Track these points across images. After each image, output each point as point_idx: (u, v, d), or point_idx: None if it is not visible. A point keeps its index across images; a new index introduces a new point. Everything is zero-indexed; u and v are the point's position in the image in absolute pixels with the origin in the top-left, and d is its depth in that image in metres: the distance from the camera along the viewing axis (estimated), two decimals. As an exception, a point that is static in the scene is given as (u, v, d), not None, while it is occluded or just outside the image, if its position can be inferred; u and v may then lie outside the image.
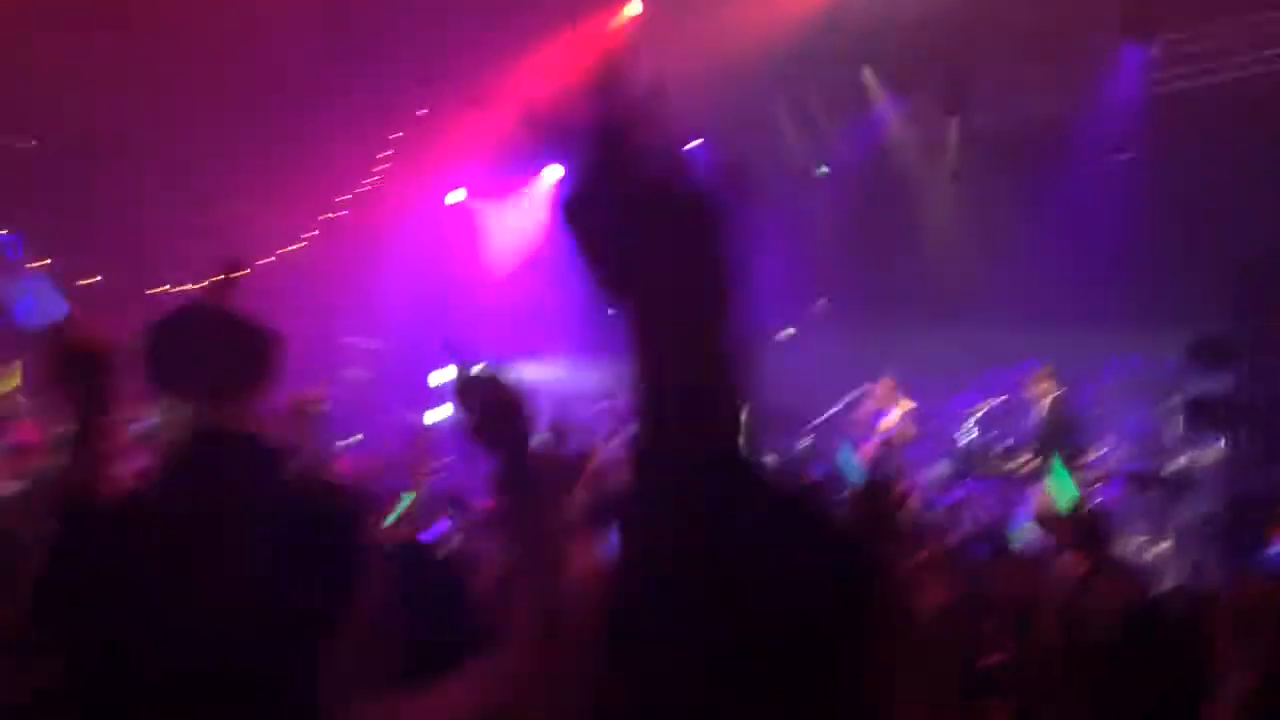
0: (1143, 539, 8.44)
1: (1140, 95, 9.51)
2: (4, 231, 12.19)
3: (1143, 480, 8.72)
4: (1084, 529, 4.90)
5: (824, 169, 11.23)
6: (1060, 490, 7.87)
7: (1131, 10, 9.01)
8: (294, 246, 11.52)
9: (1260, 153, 8.65)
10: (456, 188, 12.66)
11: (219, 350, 1.40)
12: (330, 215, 11.35)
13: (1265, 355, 8.74)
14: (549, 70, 10.44)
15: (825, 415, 10.22)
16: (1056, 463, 8.35)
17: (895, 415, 9.64)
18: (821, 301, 11.57)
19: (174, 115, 10.44)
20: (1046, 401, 9.28)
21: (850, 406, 10.07)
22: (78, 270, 11.68)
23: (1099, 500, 8.04)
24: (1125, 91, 9.64)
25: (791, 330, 11.76)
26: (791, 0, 9.69)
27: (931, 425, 10.45)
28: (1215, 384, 8.96)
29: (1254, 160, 8.66)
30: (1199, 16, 8.77)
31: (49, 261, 11.98)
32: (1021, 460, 9.13)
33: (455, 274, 12.41)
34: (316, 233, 11.64)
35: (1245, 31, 8.54)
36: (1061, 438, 8.97)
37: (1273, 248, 8.77)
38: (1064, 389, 9.48)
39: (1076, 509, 5.85)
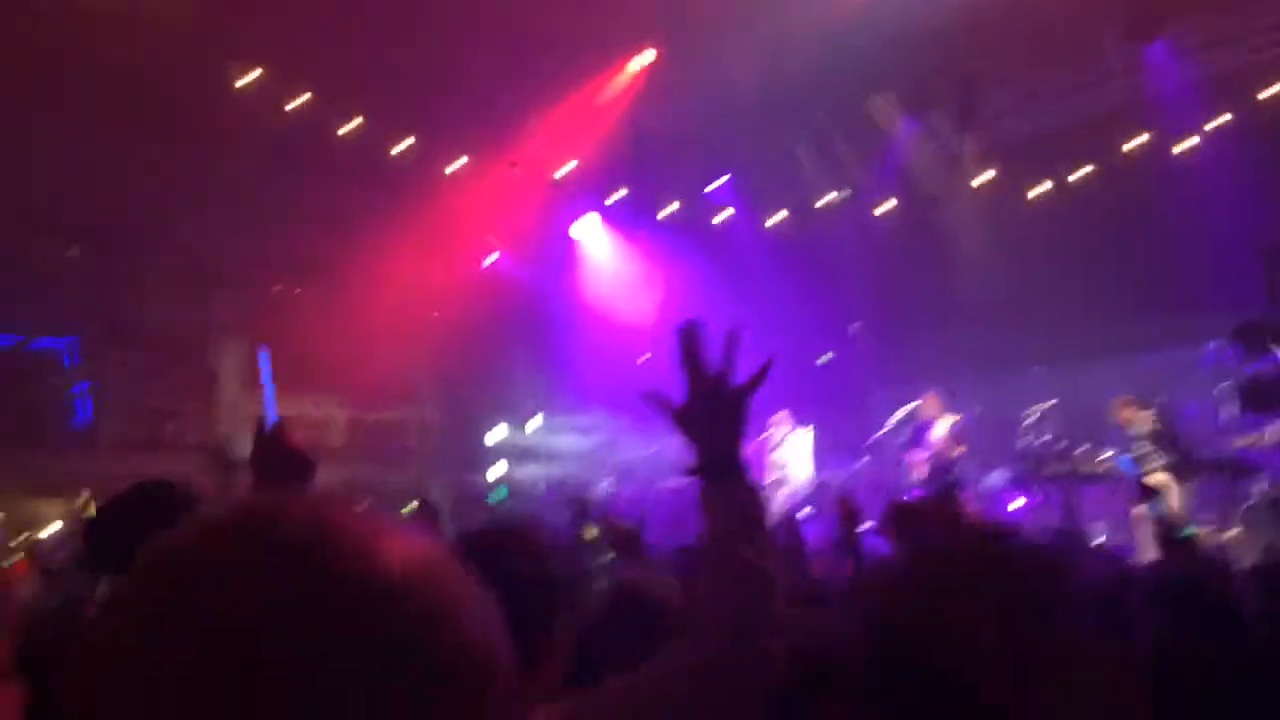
0: (1210, 527, 8.37)
1: (1174, 86, 9.58)
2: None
3: (1206, 466, 8.69)
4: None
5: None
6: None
7: (1135, 13, 9.14)
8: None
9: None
10: (490, 251, 12.74)
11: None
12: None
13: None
14: (573, 128, 10.63)
15: (881, 433, 10.24)
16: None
17: (943, 428, 9.62)
18: (856, 325, 11.68)
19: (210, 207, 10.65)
20: (1145, 420, 8.96)
21: (902, 423, 10.06)
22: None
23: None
24: (1161, 84, 9.72)
25: (830, 355, 11.91)
26: (797, 32, 9.73)
27: (981, 433, 10.41)
28: (1261, 366, 8.95)
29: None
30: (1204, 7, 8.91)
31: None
32: (1094, 460, 9.05)
33: (484, 335, 12.39)
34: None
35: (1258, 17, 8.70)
36: (1177, 445, 8.70)
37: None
38: (1159, 401, 9.11)
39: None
